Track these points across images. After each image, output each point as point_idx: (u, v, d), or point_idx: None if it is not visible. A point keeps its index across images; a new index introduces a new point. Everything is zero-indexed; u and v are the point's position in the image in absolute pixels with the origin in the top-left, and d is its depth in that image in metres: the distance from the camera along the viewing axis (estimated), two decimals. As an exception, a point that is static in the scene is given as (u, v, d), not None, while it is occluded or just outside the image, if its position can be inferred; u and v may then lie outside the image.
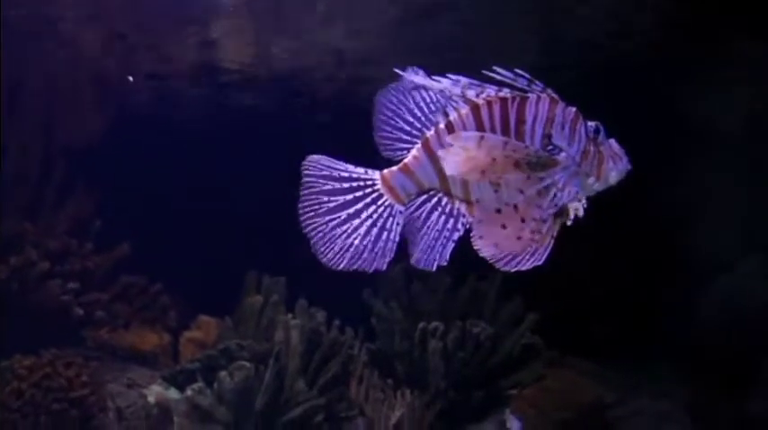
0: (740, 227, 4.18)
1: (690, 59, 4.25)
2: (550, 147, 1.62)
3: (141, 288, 4.56)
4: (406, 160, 1.66)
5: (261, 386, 3.33)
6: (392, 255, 1.68)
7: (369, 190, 1.68)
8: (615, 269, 4.22)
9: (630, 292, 4.29)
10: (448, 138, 1.58)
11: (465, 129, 1.61)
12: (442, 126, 1.64)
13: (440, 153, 1.59)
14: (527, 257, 1.60)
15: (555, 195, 1.59)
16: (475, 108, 1.62)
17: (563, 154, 1.61)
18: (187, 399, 3.59)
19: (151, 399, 3.81)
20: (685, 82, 4.23)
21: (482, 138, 1.56)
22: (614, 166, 1.63)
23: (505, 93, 1.62)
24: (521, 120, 1.61)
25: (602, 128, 1.64)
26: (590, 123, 1.63)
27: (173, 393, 3.72)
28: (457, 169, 1.56)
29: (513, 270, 1.60)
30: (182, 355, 4.32)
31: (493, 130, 1.61)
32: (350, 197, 1.68)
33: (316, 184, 1.68)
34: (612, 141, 1.65)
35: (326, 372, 3.52)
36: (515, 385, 3.69)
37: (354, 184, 1.68)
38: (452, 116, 1.63)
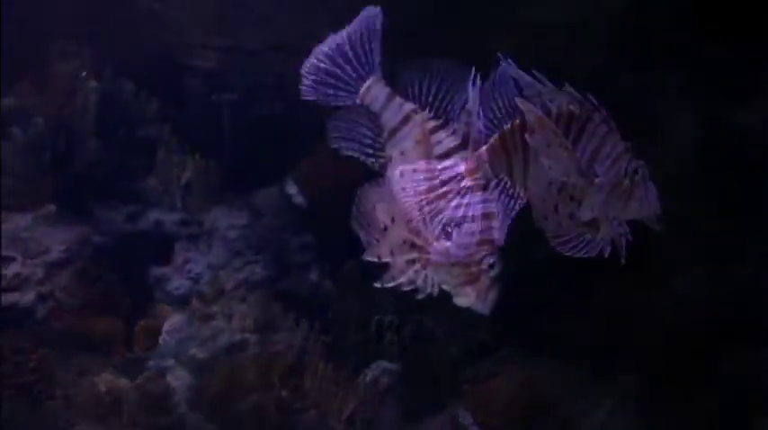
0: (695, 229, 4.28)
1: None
2: (448, 230, 1.59)
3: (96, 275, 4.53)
4: (396, 97, 1.69)
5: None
6: None
7: None
8: (571, 266, 4.29)
9: (585, 290, 4.35)
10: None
11: (424, 146, 1.61)
12: (433, 122, 1.65)
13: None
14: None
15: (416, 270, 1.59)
16: (447, 152, 1.62)
17: (447, 244, 1.59)
18: (138, 387, 3.56)
19: (102, 387, 3.76)
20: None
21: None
22: (470, 295, 1.61)
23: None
24: (458, 193, 1.59)
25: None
26: (492, 258, 1.60)
27: (124, 382, 3.68)
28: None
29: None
30: (136, 344, 4.27)
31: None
32: None
33: None
34: (491, 281, 1.61)
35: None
36: (469, 381, 3.74)
37: None
38: (441, 130, 1.64)
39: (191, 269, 4.14)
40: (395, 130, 1.66)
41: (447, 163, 1.60)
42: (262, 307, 4.00)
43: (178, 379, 4.00)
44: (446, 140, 1.63)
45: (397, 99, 1.68)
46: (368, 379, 3.59)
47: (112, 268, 4.18)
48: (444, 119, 1.66)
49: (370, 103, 1.70)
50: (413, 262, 1.58)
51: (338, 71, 1.73)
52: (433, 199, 1.56)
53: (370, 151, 1.72)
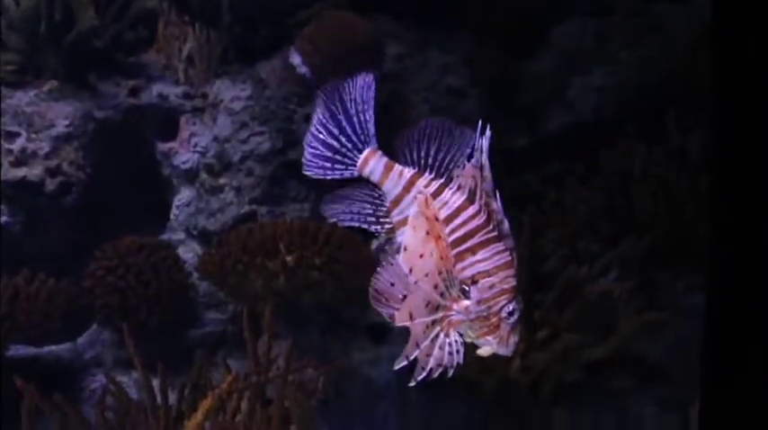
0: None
1: None
2: (465, 287, 1.57)
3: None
4: (395, 165, 1.67)
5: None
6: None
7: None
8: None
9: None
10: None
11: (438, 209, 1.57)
12: (436, 183, 1.61)
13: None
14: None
15: (438, 335, 1.55)
16: (460, 208, 1.60)
17: (466, 302, 1.57)
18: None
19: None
20: None
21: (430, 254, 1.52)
22: (493, 344, 1.59)
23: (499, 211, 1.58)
24: (472, 250, 1.57)
25: (517, 315, 1.58)
26: (514, 305, 1.58)
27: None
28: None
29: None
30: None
31: (450, 234, 1.57)
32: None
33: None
34: (515, 332, 1.60)
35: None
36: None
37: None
38: (447, 189, 1.61)
39: (197, 143, 4.11)
40: (399, 199, 1.65)
41: (457, 222, 1.57)
42: (269, 178, 4.00)
43: (189, 250, 4.08)
44: (452, 198, 1.60)
45: (397, 167, 1.66)
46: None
47: (118, 143, 4.17)
48: (447, 177, 1.63)
49: (370, 175, 1.68)
50: (434, 326, 1.54)
51: (335, 143, 1.71)
52: (450, 261, 1.53)
53: (373, 220, 1.71)
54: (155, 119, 4.22)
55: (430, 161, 1.64)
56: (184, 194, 4.13)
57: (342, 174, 1.69)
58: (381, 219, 1.68)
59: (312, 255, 3.27)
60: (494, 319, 1.56)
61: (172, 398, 2.62)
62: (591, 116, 4.47)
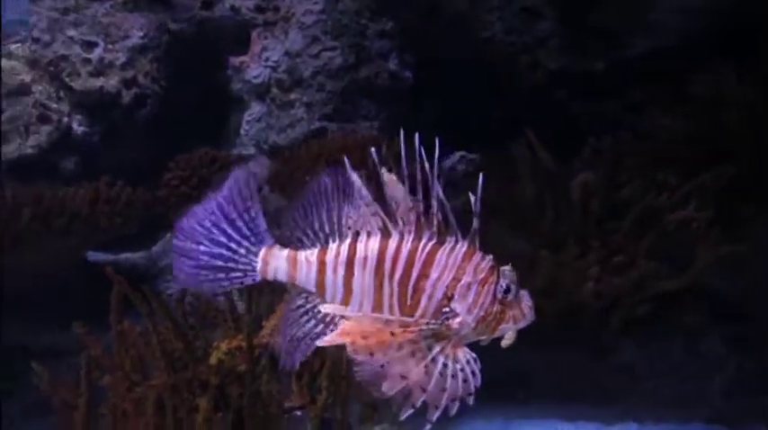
0: None
1: None
2: (446, 310, 1.48)
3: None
4: (297, 256, 1.55)
5: None
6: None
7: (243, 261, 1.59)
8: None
9: None
10: (323, 308, 1.49)
11: (364, 267, 1.49)
12: (344, 247, 1.51)
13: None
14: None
15: (446, 365, 1.46)
16: (382, 251, 1.49)
17: (458, 320, 1.48)
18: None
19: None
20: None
21: (363, 318, 1.45)
22: (512, 326, 1.50)
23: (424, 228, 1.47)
24: (424, 274, 1.48)
25: (513, 286, 1.48)
26: (502, 282, 1.47)
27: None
28: (337, 343, 1.45)
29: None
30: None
31: (391, 278, 1.49)
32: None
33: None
34: (524, 296, 1.50)
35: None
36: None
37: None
38: (359, 244, 1.51)
39: (268, 57, 4.09)
40: (320, 283, 1.53)
41: (388, 265, 1.47)
42: (340, 94, 3.97)
43: (259, 165, 4.12)
44: (370, 247, 1.50)
45: (299, 256, 1.55)
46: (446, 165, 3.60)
47: (191, 56, 4.19)
48: (352, 233, 1.52)
49: (275, 276, 1.55)
50: (434, 363, 1.46)
51: (223, 251, 1.56)
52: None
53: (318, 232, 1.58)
54: (227, 32, 4.21)
55: (327, 228, 1.55)
56: (255, 109, 4.15)
57: (242, 283, 1.56)
58: (331, 328, 1.55)
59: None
60: (495, 310, 1.48)
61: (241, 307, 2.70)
62: (675, 40, 4.22)
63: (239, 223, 1.57)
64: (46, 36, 3.96)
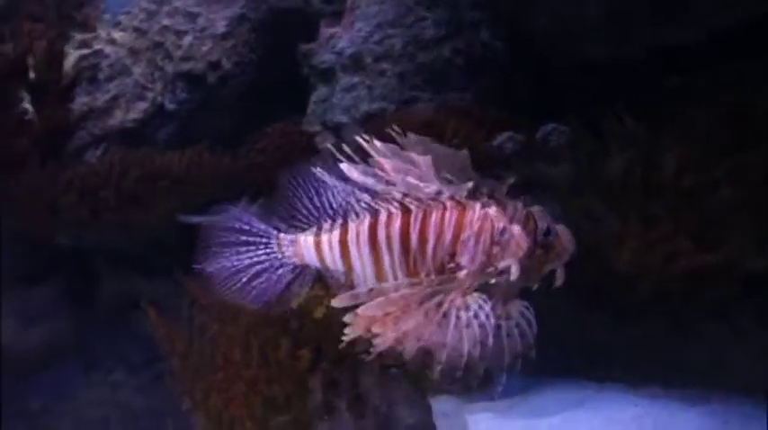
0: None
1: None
2: (451, 265, 1.48)
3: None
4: (320, 241, 1.55)
5: None
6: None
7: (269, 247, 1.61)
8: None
9: None
10: (337, 300, 1.47)
11: (358, 246, 1.50)
12: (363, 226, 1.51)
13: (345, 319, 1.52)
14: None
15: (458, 317, 1.42)
16: (372, 226, 1.50)
17: (463, 272, 1.46)
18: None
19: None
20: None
21: (371, 292, 1.45)
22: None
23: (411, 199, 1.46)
24: (423, 240, 1.48)
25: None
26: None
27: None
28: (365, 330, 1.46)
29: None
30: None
31: (390, 250, 1.49)
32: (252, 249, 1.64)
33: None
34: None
35: None
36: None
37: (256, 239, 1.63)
38: (380, 221, 1.49)
39: (360, 27, 4.31)
40: (345, 265, 1.55)
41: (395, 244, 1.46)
42: (431, 66, 4.04)
43: (324, 140, 4.58)
44: (363, 225, 1.50)
45: (323, 240, 1.54)
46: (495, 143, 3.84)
47: (267, 43, 4.66)
48: (342, 217, 1.55)
49: (303, 261, 1.58)
50: (439, 310, 1.42)
51: (252, 259, 1.62)
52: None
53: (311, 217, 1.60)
54: (298, 21, 4.62)
55: (329, 211, 1.59)
56: (345, 80, 4.36)
57: (283, 274, 1.59)
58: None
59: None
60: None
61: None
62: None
63: (250, 237, 1.65)
64: (144, 25, 4.52)
